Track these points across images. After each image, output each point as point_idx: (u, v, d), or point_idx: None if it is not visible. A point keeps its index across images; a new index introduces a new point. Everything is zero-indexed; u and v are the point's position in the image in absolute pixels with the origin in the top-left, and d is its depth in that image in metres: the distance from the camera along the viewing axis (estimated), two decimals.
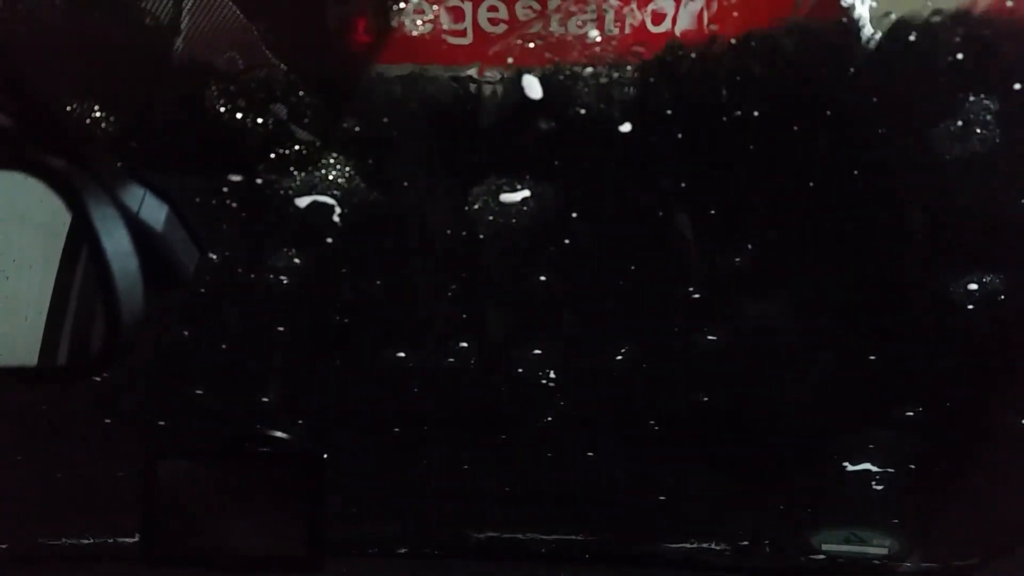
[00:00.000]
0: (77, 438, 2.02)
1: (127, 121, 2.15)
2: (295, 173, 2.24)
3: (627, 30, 2.14)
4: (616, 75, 2.14)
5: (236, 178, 2.24)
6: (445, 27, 2.17)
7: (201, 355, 2.18)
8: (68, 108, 2.06)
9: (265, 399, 2.17)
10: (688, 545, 1.89)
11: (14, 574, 1.62)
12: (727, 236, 2.17)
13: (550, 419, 2.21)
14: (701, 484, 2.23)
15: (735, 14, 2.05)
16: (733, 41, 2.14)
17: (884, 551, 1.83)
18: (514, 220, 2.19)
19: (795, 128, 2.13)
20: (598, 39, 2.18)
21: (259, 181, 2.24)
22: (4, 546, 1.67)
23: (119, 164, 2.04)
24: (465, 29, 2.14)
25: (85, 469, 1.98)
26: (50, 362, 2.01)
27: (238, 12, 2.20)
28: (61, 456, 2.02)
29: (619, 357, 2.17)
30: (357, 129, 2.30)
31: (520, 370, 2.19)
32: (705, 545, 1.92)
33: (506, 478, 2.13)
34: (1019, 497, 1.94)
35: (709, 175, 2.21)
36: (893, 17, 2.10)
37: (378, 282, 2.23)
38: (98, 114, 2.12)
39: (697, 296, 2.18)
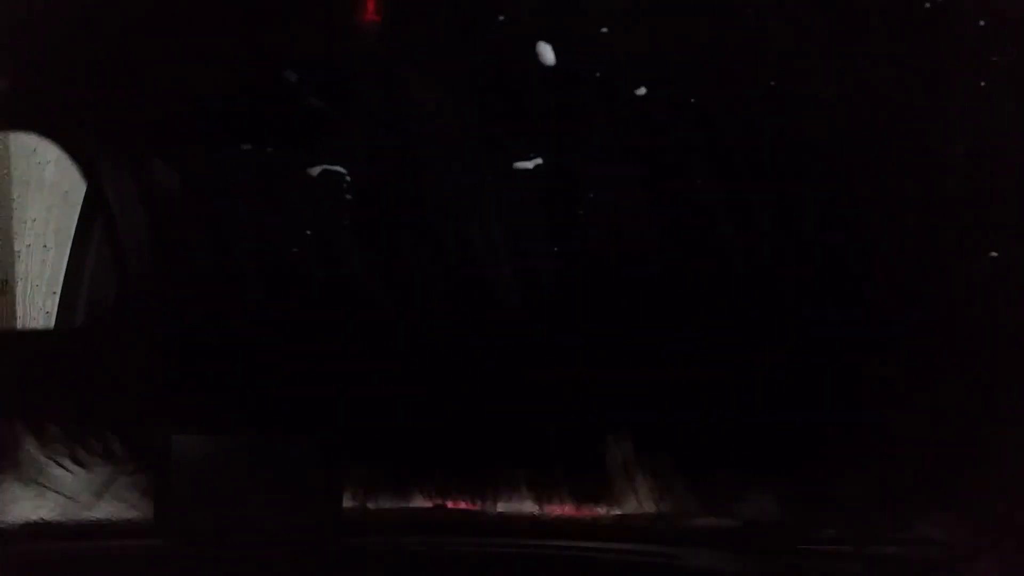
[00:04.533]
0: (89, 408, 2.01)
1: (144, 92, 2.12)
2: (309, 144, 2.22)
3: None
4: None
5: (248, 148, 2.22)
6: None
7: (210, 327, 2.17)
8: (85, 72, 2.04)
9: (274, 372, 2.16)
10: (699, 520, 1.89)
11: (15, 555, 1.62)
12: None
13: (553, 388, 2.21)
14: (707, 463, 2.22)
15: None
16: None
17: (885, 540, 1.84)
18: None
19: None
20: None
21: (272, 152, 2.22)
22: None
23: (132, 133, 2.02)
24: None
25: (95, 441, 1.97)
26: (66, 326, 2.02)
27: None
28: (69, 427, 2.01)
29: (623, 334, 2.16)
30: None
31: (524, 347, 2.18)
32: (716, 520, 1.92)
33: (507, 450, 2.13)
34: (1013, 488, 1.94)
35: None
36: None
37: (392, 256, 2.21)
38: (115, 81, 2.10)
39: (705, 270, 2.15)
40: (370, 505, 1.77)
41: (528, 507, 1.86)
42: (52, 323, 2.01)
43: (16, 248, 4.85)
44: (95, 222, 2.07)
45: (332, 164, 2.35)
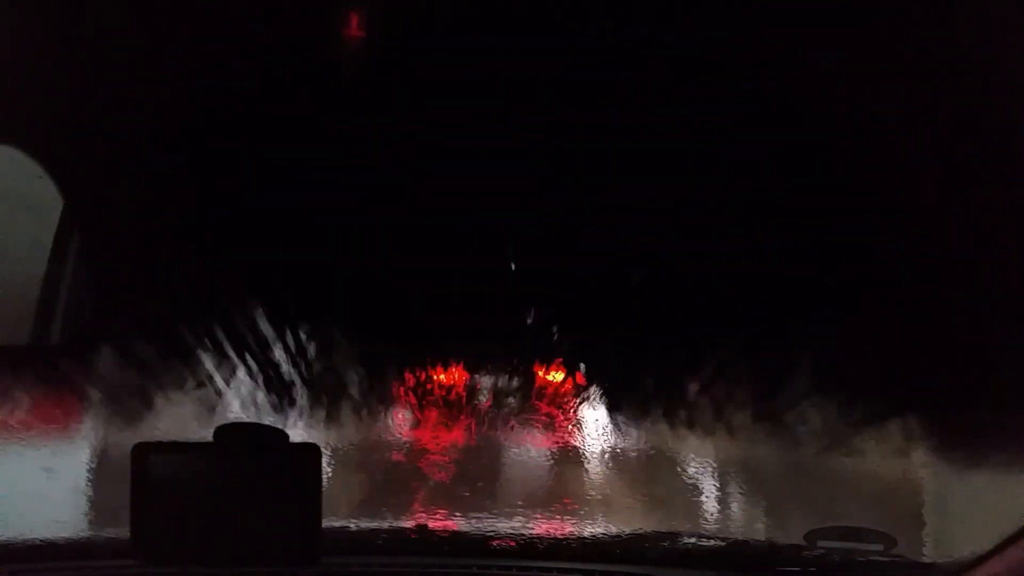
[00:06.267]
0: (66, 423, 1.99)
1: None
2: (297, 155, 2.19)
3: None
4: None
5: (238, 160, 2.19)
6: None
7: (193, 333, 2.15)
8: (67, 87, 2.02)
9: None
10: (680, 540, 1.88)
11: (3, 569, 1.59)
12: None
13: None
14: (695, 477, 2.22)
15: None
16: None
17: (879, 547, 1.83)
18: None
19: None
20: None
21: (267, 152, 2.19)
22: None
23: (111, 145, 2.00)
24: None
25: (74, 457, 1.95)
26: (42, 341, 1.99)
27: None
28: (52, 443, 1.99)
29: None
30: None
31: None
32: (697, 540, 1.91)
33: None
34: (1013, 494, 1.93)
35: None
36: None
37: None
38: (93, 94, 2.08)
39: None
40: (352, 525, 1.75)
41: (510, 528, 1.85)
42: None
43: None
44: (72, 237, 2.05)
45: (314, 173, 2.33)
